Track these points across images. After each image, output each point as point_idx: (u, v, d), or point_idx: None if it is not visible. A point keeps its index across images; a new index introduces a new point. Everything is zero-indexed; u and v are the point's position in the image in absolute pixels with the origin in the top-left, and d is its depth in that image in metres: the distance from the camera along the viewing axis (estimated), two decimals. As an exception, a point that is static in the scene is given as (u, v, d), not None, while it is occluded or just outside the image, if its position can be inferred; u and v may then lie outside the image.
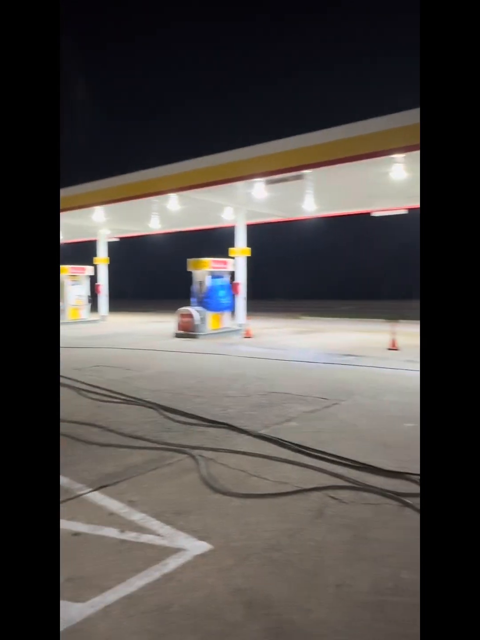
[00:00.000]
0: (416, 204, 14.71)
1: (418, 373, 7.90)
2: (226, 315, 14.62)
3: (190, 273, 14.35)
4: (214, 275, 14.11)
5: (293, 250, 42.78)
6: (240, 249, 15.27)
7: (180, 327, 13.74)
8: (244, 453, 4.13)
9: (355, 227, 30.68)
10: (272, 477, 3.62)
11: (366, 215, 16.20)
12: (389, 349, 10.63)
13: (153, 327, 17.04)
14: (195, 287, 14.23)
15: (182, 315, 13.73)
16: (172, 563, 2.51)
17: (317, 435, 4.60)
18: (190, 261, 14.12)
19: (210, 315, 13.87)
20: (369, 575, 2.39)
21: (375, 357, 9.55)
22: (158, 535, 2.79)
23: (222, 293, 14.16)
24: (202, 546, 2.66)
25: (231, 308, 14.74)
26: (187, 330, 13.51)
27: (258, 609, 2.16)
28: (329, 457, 3.97)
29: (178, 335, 13.59)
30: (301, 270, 43.18)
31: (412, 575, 2.37)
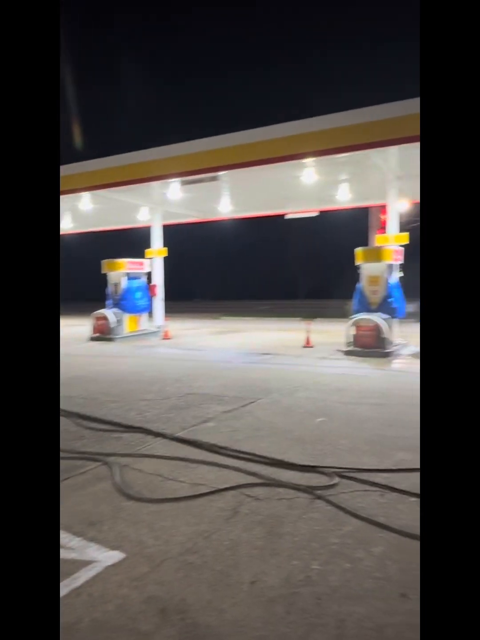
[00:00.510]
0: (326, 206, 15.34)
1: (330, 369, 8.23)
2: (143, 317, 14.36)
3: (105, 275, 13.92)
4: (130, 277, 13.79)
5: (212, 251, 42.90)
6: (157, 250, 15.06)
7: (95, 330, 13.29)
8: (159, 457, 4.07)
9: (272, 228, 31.39)
10: (188, 479, 3.60)
11: (281, 217, 16.62)
12: (304, 347, 10.98)
13: (67, 331, 16.31)
14: (110, 289, 13.83)
15: (97, 318, 13.29)
16: (83, 576, 2.40)
17: (234, 435, 4.64)
18: (105, 262, 13.69)
19: (126, 318, 13.54)
20: (281, 569, 2.44)
21: (291, 355, 9.82)
22: (68, 548, 2.66)
23: (138, 294, 13.87)
24: (115, 556, 2.58)
25: (148, 310, 14.49)
26: (103, 333, 13.10)
27: (172, 615, 2.13)
28: (244, 456, 4.02)
29: (93, 339, 13.13)
30: (220, 271, 43.43)
31: (321, 566, 2.46)
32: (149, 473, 3.74)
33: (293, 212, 15.79)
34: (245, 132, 9.90)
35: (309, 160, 9.74)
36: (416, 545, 2.64)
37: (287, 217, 16.12)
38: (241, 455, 4.05)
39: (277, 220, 17.90)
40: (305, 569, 2.44)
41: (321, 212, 15.60)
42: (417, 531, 2.77)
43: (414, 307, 19.97)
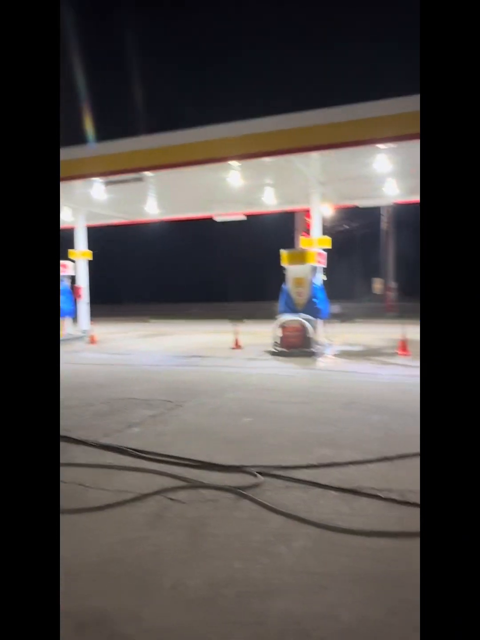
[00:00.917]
0: (253, 209, 15.58)
1: (258, 370, 8.34)
2: (68, 321, 13.85)
3: (25, 277, 13.26)
4: (53, 280, 13.25)
5: (141, 253, 42.20)
6: (81, 252, 14.59)
7: (15, 336, 12.62)
8: (81, 465, 3.92)
9: (202, 230, 31.37)
10: (111, 486, 3.50)
11: (210, 219, 16.66)
12: (233, 349, 11.06)
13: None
14: (31, 292, 13.20)
15: (17, 323, 12.64)
16: (-7, 597, 2.26)
17: (160, 439, 4.57)
18: (25, 264, 13.05)
19: (49, 322, 12.99)
20: (203, 571, 2.42)
21: (220, 357, 9.86)
22: (-23, 568, 2.50)
23: (62, 298, 13.36)
24: (29, 572, 2.45)
25: (73, 314, 14.00)
26: (24, 339, 12.46)
27: (89, 629, 2.05)
28: (170, 460, 3.97)
29: (13, 345, 12.46)
30: (149, 274, 42.83)
31: (243, 564, 2.47)
32: (69, 482, 3.59)
33: (222, 214, 15.89)
34: (170, 133, 9.84)
35: (234, 163, 9.84)
36: (335, 536, 2.73)
37: (217, 219, 16.19)
38: (167, 459, 3.99)
39: (206, 223, 17.93)
40: (228, 568, 2.44)
41: (249, 215, 15.81)
42: (336, 523, 2.87)
43: (338, 308, 20.75)
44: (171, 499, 3.26)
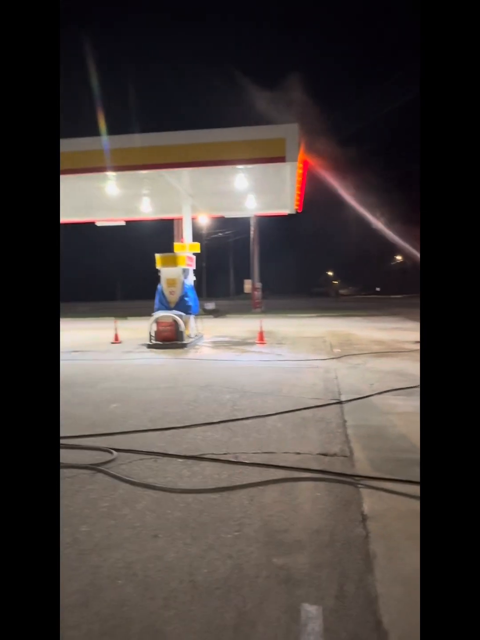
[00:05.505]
0: (133, 216, 15.31)
1: (133, 361, 8.30)
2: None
3: None
4: None
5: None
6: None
7: None
8: None
9: (92, 234, 29.90)
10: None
11: (92, 224, 15.99)
12: (113, 343, 10.84)
13: None
14: None
15: None
16: None
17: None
18: None
19: None
20: (52, 537, 2.45)
21: (99, 351, 9.60)
22: None
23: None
24: None
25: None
26: None
27: None
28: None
29: None
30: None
31: (89, 527, 2.54)
32: None
33: (102, 220, 15.35)
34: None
35: (111, 174, 9.62)
36: (174, 496, 2.91)
37: (98, 224, 15.60)
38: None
39: (91, 227, 17.17)
40: (74, 532, 2.50)
41: (129, 221, 15.48)
42: (177, 485, 3.05)
43: (212, 305, 21.19)
44: (30, 480, 3.19)
